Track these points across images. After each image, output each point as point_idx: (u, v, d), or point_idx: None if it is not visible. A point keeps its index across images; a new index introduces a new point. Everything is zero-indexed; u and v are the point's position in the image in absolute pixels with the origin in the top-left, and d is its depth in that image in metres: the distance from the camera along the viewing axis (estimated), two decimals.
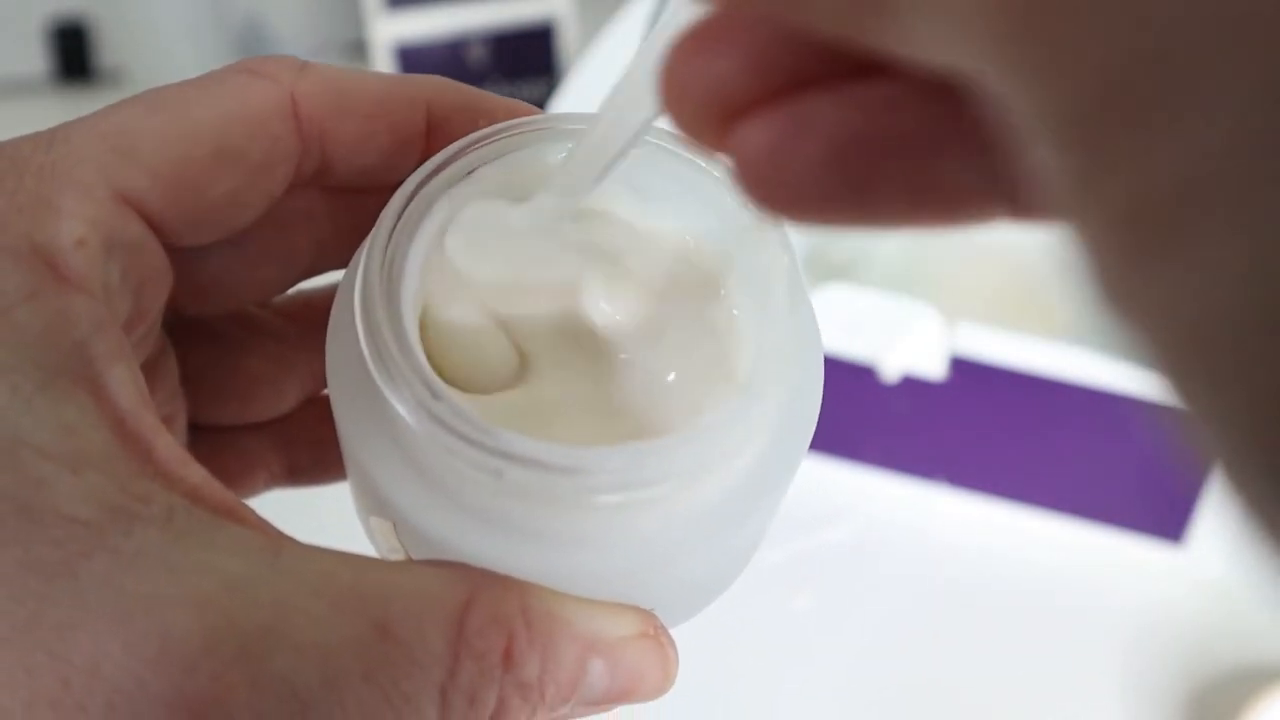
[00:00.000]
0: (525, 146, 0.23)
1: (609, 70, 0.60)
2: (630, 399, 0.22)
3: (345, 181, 0.24)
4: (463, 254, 0.22)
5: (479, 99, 0.24)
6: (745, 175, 0.15)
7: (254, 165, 0.22)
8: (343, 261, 0.25)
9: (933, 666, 0.53)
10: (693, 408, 0.22)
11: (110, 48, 0.74)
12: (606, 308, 0.22)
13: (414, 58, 0.69)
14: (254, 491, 0.29)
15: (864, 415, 0.55)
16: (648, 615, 0.21)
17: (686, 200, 0.23)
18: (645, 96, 0.18)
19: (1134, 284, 0.11)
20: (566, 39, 0.70)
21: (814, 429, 0.22)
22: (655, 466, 0.19)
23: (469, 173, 0.23)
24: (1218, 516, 0.53)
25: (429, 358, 0.21)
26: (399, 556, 0.23)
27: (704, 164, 0.23)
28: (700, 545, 0.21)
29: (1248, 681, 0.52)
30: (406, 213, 0.22)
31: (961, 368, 0.52)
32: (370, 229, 0.22)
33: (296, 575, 0.19)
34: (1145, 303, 0.11)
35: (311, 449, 0.29)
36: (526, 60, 0.70)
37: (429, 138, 0.24)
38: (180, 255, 0.23)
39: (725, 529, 0.21)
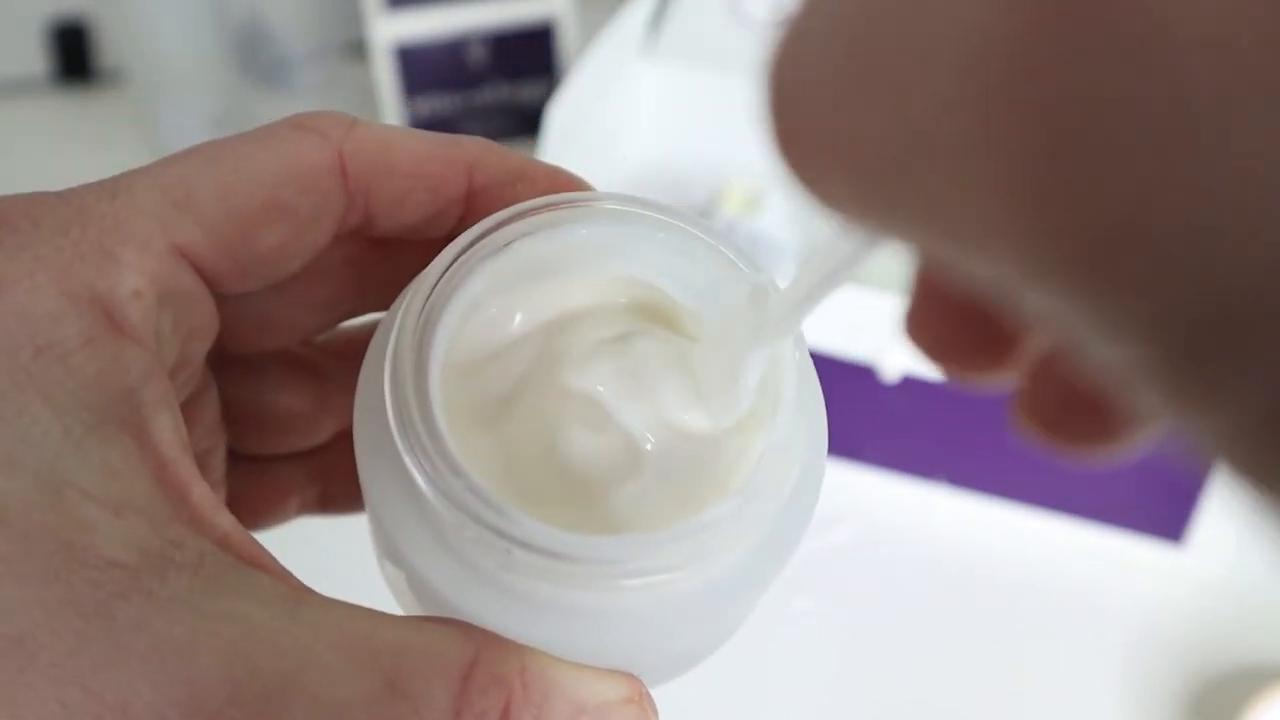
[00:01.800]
0: (562, 224, 0.24)
1: (609, 70, 0.60)
2: (644, 485, 0.23)
3: (386, 234, 0.25)
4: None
5: (520, 165, 0.25)
6: (1029, 423, 0.16)
7: (302, 219, 0.23)
8: (380, 304, 0.26)
9: (933, 666, 0.53)
10: (697, 503, 0.23)
11: (110, 48, 0.74)
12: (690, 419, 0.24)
13: (414, 58, 0.69)
14: (285, 518, 0.30)
15: (864, 415, 0.55)
16: (634, 681, 0.23)
17: (705, 287, 0.24)
18: (789, 319, 0.19)
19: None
20: (566, 39, 0.70)
21: (811, 519, 0.23)
22: (654, 558, 0.21)
23: (506, 245, 0.23)
24: (1218, 516, 0.53)
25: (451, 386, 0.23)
26: (409, 601, 0.24)
27: (723, 249, 0.24)
28: (692, 624, 0.22)
29: (1248, 681, 0.52)
30: (440, 284, 0.23)
31: None
32: (408, 278, 0.24)
33: (315, 627, 0.20)
34: None
35: (344, 480, 0.30)
36: (526, 60, 0.70)
37: (470, 199, 0.25)
38: (224, 301, 0.24)
39: (718, 611, 0.22)
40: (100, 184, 0.22)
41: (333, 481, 0.30)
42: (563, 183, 0.25)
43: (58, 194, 0.22)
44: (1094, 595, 0.55)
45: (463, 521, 0.20)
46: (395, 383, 0.21)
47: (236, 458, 0.29)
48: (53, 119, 0.74)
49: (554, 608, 0.21)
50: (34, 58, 0.74)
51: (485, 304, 0.24)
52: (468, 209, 0.25)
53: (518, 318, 0.24)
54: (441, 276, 0.23)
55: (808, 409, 0.23)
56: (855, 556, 0.56)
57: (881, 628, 0.54)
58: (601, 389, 0.23)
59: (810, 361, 0.24)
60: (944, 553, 0.56)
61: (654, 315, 0.25)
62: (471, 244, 0.23)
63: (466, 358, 0.24)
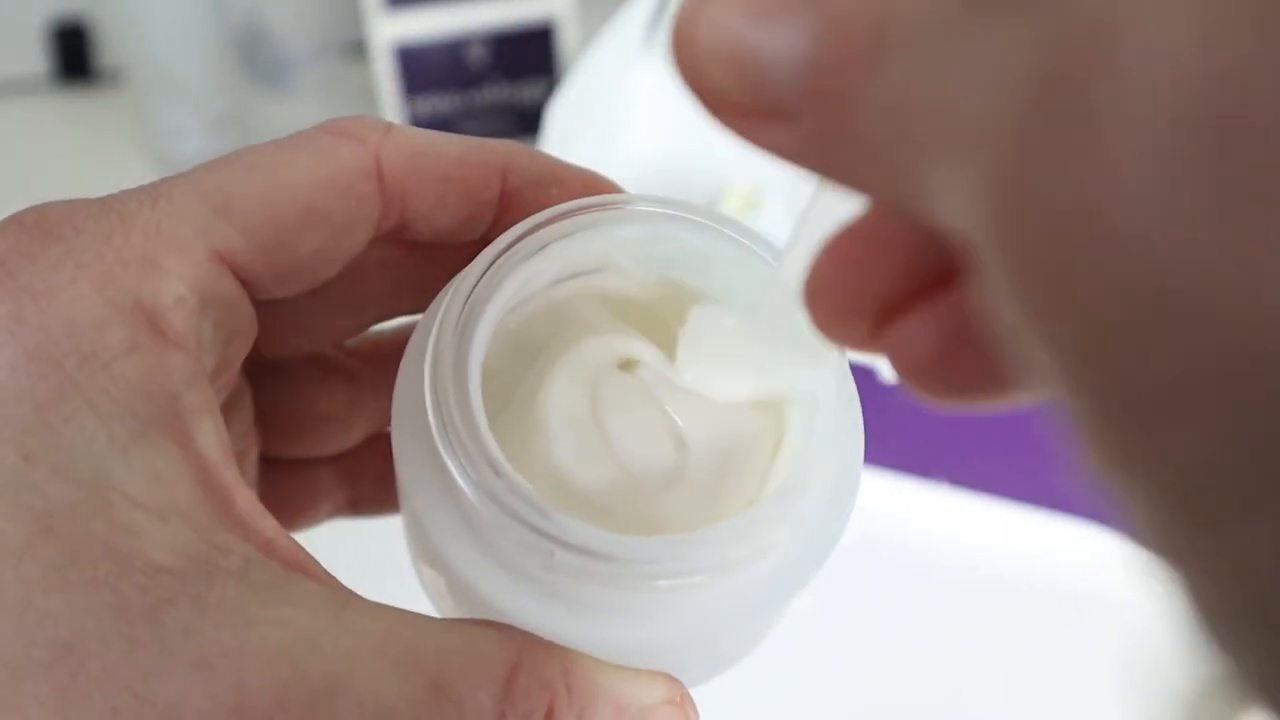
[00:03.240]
0: (596, 225, 0.24)
1: (609, 70, 0.60)
2: (684, 486, 0.23)
3: (421, 238, 0.25)
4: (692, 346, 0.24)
5: (553, 168, 0.25)
6: (910, 373, 0.16)
7: (340, 224, 0.23)
8: (415, 307, 0.26)
9: (932, 666, 0.53)
10: (735, 503, 0.23)
11: (110, 48, 0.74)
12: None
13: (414, 58, 0.69)
14: (316, 521, 0.30)
15: (864, 415, 0.55)
16: (675, 683, 0.23)
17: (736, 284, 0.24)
18: (791, 293, 0.19)
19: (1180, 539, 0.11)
20: (566, 39, 0.70)
21: (848, 524, 0.24)
22: (696, 558, 0.21)
23: (541, 248, 0.24)
24: None
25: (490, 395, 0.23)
26: (447, 604, 0.24)
27: (756, 249, 0.24)
28: (733, 625, 0.22)
29: None
30: (480, 285, 0.23)
31: None
32: (442, 282, 0.24)
33: (360, 632, 0.20)
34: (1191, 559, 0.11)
35: (374, 483, 0.30)
36: (526, 60, 0.70)
37: (503, 202, 0.25)
38: (262, 306, 0.24)
39: (758, 611, 0.23)
40: (140, 190, 0.22)
41: (363, 484, 0.30)
42: (596, 185, 0.25)
43: (99, 200, 0.22)
44: (1094, 595, 0.55)
45: (505, 523, 0.20)
46: (435, 384, 0.22)
47: (267, 461, 0.29)
48: (53, 119, 0.74)
49: (595, 609, 0.22)
50: (34, 58, 0.74)
51: (523, 306, 0.24)
52: (501, 212, 0.25)
53: (553, 320, 0.25)
54: (481, 278, 0.23)
55: (846, 410, 0.23)
56: (855, 556, 0.56)
57: (881, 627, 0.54)
58: (638, 390, 0.24)
59: (848, 365, 0.24)
60: (944, 553, 0.56)
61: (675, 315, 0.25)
62: (509, 246, 0.23)
63: (504, 359, 0.24)
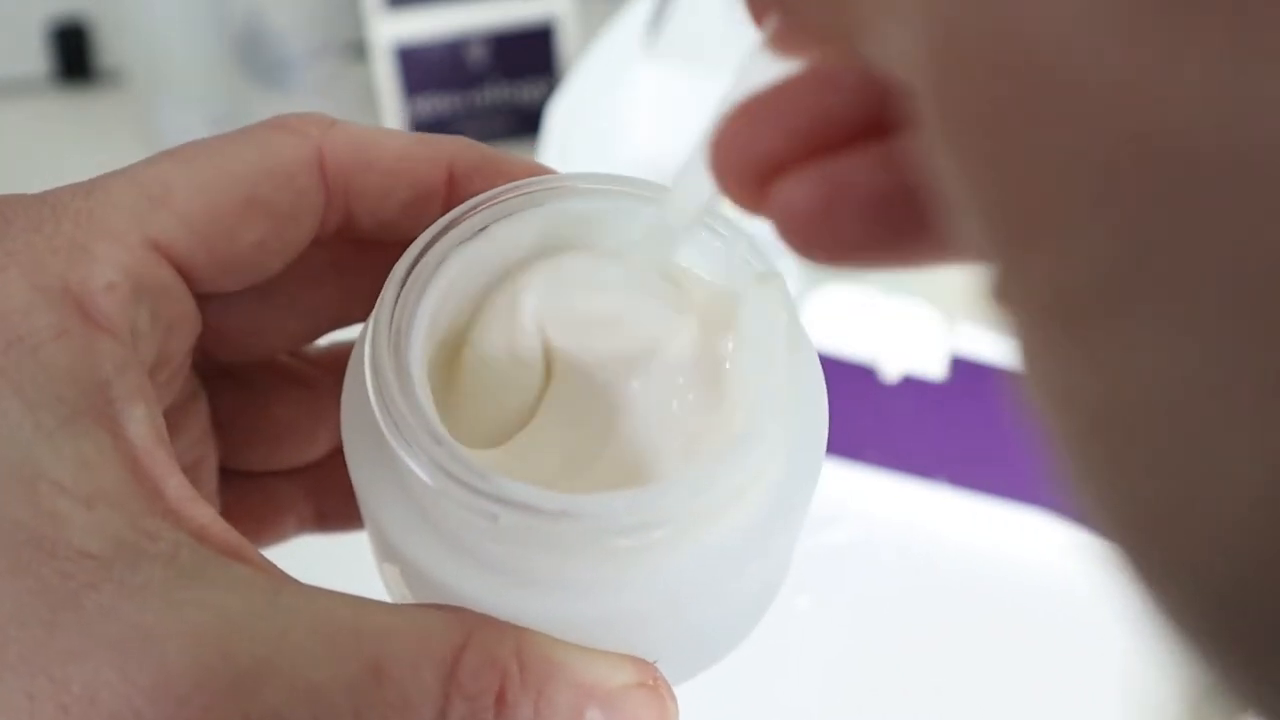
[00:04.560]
0: (537, 205, 0.24)
1: (609, 70, 0.60)
2: (635, 447, 0.22)
3: (369, 234, 0.25)
4: (553, 296, 0.23)
5: (499, 160, 0.25)
6: (788, 229, 0.17)
7: (281, 216, 0.23)
8: (368, 313, 0.26)
9: (933, 666, 0.53)
10: (692, 455, 0.22)
11: (110, 48, 0.74)
12: (676, 347, 0.23)
13: (414, 58, 0.69)
14: (283, 537, 0.29)
15: (864, 415, 0.55)
16: (647, 665, 0.22)
17: (699, 249, 0.24)
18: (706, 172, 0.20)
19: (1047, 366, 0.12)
20: (566, 39, 0.70)
21: (817, 481, 0.23)
22: (646, 511, 0.20)
23: (481, 229, 0.23)
24: None
25: (450, 402, 0.22)
26: (405, 597, 0.23)
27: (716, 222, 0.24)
28: (697, 595, 0.21)
29: None
30: (417, 268, 0.23)
31: (961, 368, 0.52)
32: None
33: (294, 613, 0.19)
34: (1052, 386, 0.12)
35: (340, 496, 0.29)
36: (526, 60, 0.70)
37: (450, 195, 0.25)
38: (210, 303, 0.24)
39: (723, 579, 0.21)
40: (77, 184, 0.22)
41: (329, 498, 0.29)
42: (541, 175, 0.25)
43: (34, 195, 0.22)
44: (1094, 595, 0.55)
45: (446, 488, 0.20)
46: (375, 366, 0.21)
47: (231, 474, 0.28)
48: (53, 119, 0.74)
49: (549, 583, 0.21)
50: (34, 58, 0.74)
51: (463, 286, 0.24)
52: (447, 205, 0.25)
53: (497, 298, 0.24)
54: (416, 262, 0.23)
55: (798, 358, 0.22)
56: (855, 556, 0.56)
57: (881, 627, 0.54)
58: (586, 355, 0.23)
59: (801, 320, 0.23)
60: (944, 552, 0.56)
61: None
62: (444, 230, 0.23)
63: (447, 338, 0.24)
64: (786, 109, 0.17)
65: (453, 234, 0.23)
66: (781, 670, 0.53)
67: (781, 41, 0.18)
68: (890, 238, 0.17)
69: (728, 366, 0.23)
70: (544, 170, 0.25)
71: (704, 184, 0.20)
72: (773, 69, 0.18)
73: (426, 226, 0.23)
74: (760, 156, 0.17)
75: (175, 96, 0.67)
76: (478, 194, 0.24)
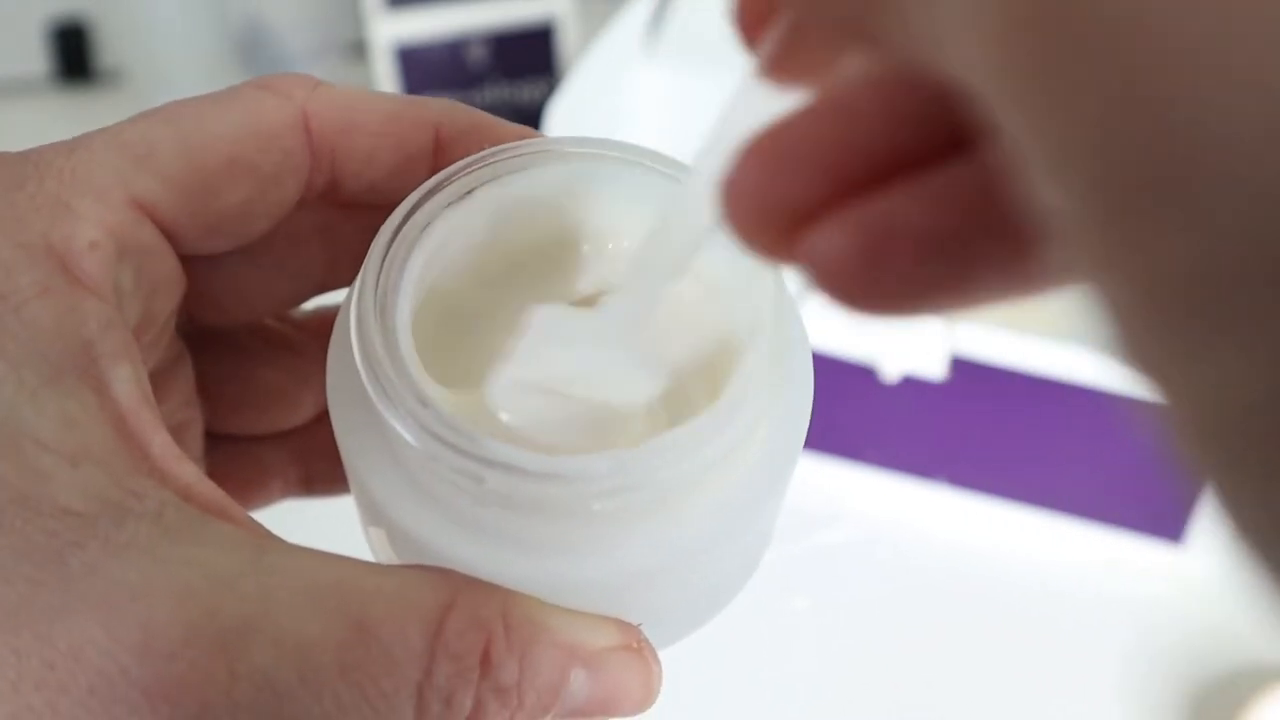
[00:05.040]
0: (525, 168, 0.23)
1: (609, 70, 0.60)
2: (625, 419, 0.22)
3: (355, 197, 0.25)
4: (526, 360, 0.22)
5: (487, 123, 0.25)
6: (829, 282, 0.15)
7: (266, 176, 0.23)
8: (354, 277, 0.26)
9: (933, 666, 0.53)
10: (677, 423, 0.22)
11: (110, 48, 0.74)
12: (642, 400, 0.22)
13: (414, 58, 0.69)
14: (269, 501, 0.29)
15: (864, 415, 0.55)
16: (630, 628, 0.22)
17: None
18: (706, 205, 0.18)
19: (1158, 356, 0.11)
20: (566, 39, 0.70)
21: (801, 448, 0.23)
22: (632, 475, 0.20)
23: (468, 192, 0.23)
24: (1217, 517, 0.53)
25: (437, 347, 0.22)
26: (391, 559, 0.23)
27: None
28: (679, 563, 0.21)
29: (1247, 681, 0.52)
30: (403, 230, 0.22)
31: (961, 368, 0.52)
32: None
33: (280, 572, 0.19)
34: (1168, 373, 0.11)
35: (326, 460, 0.29)
36: (526, 60, 0.70)
37: (437, 158, 0.24)
38: (195, 265, 0.24)
39: (703, 547, 0.21)
40: (60, 143, 0.22)
41: (316, 462, 0.29)
42: (530, 139, 0.25)
43: (16, 153, 0.21)
44: (1094, 595, 0.55)
45: (433, 450, 0.20)
46: (361, 328, 0.21)
47: (217, 439, 0.28)
48: (53, 119, 0.74)
49: (535, 546, 0.21)
50: (34, 58, 0.74)
51: (450, 248, 0.23)
52: (435, 168, 0.24)
53: (484, 264, 0.24)
54: (403, 224, 0.22)
55: (784, 326, 0.22)
56: (855, 556, 0.56)
57: (881, 627, 0.54)
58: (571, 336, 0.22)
59: (787, 288, 0.23)
60: (944, 553, 0.56)
61: (615, 254, 0.24)
62: (431, 192, 0.23)
63: (439, 300, 0.24)
64: (806, 146, 0.16)
65: (439, 196, 0.23)
66: (779, 669, 0.53)
67: (781, 65, 0.16)
68: (948, 280, 0.15)
69: (718, 334, 0.23)
70: (532, 134, 0.25)
71: (697, 225, 0.19)
72: (769, 102, 0.16)
73: (413, 189, 0.23)
74: (785, 202, 0.16)
75: (175, 96, 0.67)
76: (465, 157, 0.24)
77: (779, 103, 0.16)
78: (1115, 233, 0.11)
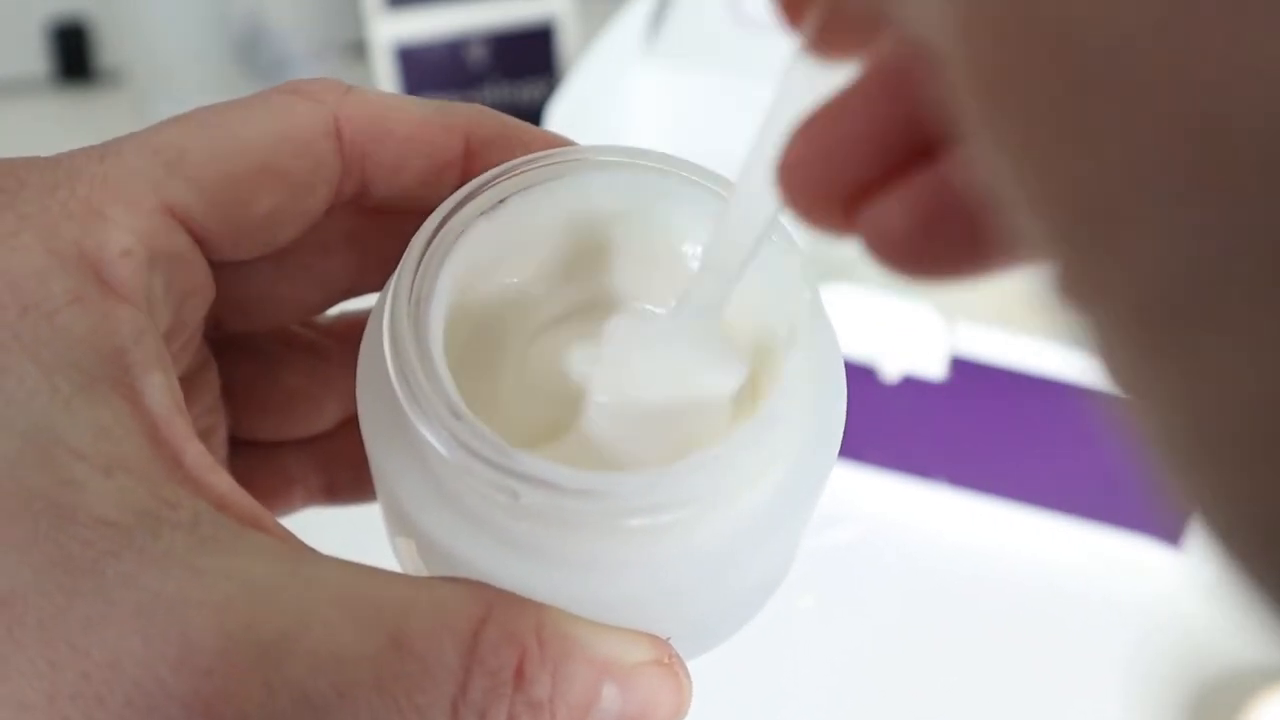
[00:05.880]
0: (558, 177, 0.24)
1: (609, 70, 0.60)
2: (653, 431, 0.22)
3: (384, 203, 0.25)
4: (608, 370, 0.23)
5: (517, 129, 0.25)
6: (885, 252, 0.16)
7: (297, 183, 0.23)
8: (381, 283, 0.26)
9: (933, 666, 0.53)
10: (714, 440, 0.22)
11: (110, 48, 0.74)
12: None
13: (414, 58, 0.69)
14: (291, 508, 0.29)
15: (864, 415, 0.55)
16: (662, 643, 0.22)
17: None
18: (767, 192, 0.18)
19: (1143, 370, 0.11)
20: (566, 39, 0.70)
21: (833, 463, 0.23)
22: (668, 491, 0.20)
23: (500, 201, 0.23)
24: None
25: (474, 386, 0.22)
26: (420, 572, 0.23)
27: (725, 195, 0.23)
28: (712, 577, 0.21)
29: (1248, 681, 0.52)
30: (436, 239, 0.22)
31: (961, 368, 0.52)
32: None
33: (316, 584, 0.19)
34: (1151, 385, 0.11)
35: (349, 468, 0.29)
36: (526, 60, 0.70)
37: (467, 164, 0.24)
38: (223, 270, 0.24)
39: (739, 559, 0.21)
40: (91, 148, 0.22)
41: (339, 469, 0.29)
42: (559, 145, 0.25)
43: (47, 158, 0.21)
44: (1094, 596, 0.55)
45: (469, 466, 0.20)
46: (394, 339, 0.21)
47: (240, 444, 0.28)
48: (53, 119, 0.74)
49: (568, 561, 0.21)
50: (34, 58, 0.74)
51: (483, 257, 0.23)
52: (465, 174, 0.24)
53: (518, 271, 0.24)
54: (436, 233, 0.22)
55: (823, 341, 0.22)
56: (856, 556, 0.56)
57: (882, 627, 0.54)
58: (607, 347, 0.23)
59: (821, 299, 0.23)
60: (944, 553, 0.56)
61: (652, 263, 0.24)
62: (464, 200, 0.23)
63: (470, 312, 0.24)
64: (858, 123, 0.16)
65: (472, 205, 0.23)
66: (784, 668, 0.53)
67: (824, 41, 0.16)
68: (1003, 248, 0.15)
69: (752, 349, 0.23)
70: (562, 142, 0.25)
71: (761, 213, 0.19)
72: (819, 79, 0.17)
73: (443, 196, 0.23)
74: (841, 178, 0.16)
75: (175, 96, 0.67)
76: (496, 164, 0.24)
77: (827, 81, 0.17)
78: (1088, 241, 0.11)
